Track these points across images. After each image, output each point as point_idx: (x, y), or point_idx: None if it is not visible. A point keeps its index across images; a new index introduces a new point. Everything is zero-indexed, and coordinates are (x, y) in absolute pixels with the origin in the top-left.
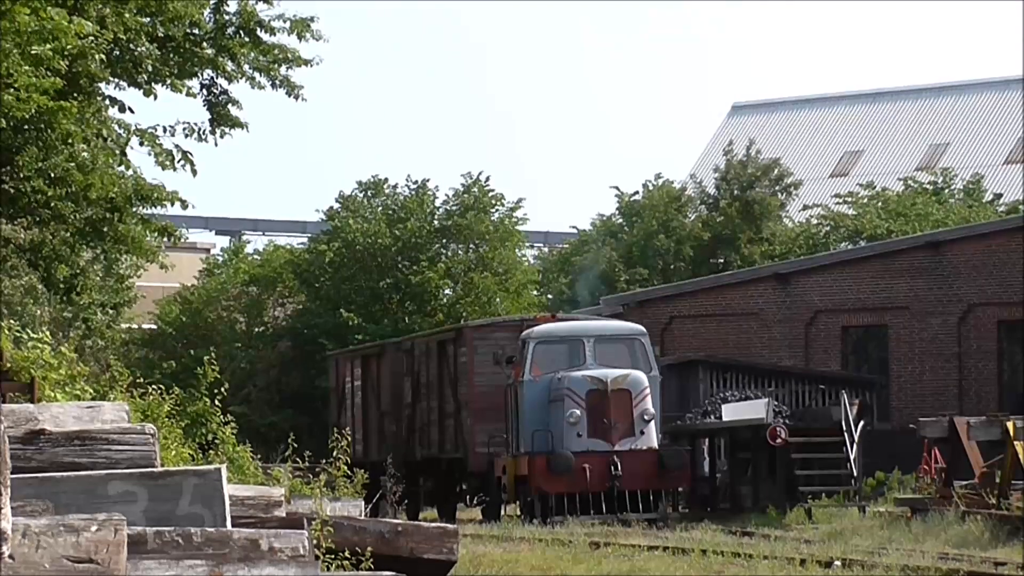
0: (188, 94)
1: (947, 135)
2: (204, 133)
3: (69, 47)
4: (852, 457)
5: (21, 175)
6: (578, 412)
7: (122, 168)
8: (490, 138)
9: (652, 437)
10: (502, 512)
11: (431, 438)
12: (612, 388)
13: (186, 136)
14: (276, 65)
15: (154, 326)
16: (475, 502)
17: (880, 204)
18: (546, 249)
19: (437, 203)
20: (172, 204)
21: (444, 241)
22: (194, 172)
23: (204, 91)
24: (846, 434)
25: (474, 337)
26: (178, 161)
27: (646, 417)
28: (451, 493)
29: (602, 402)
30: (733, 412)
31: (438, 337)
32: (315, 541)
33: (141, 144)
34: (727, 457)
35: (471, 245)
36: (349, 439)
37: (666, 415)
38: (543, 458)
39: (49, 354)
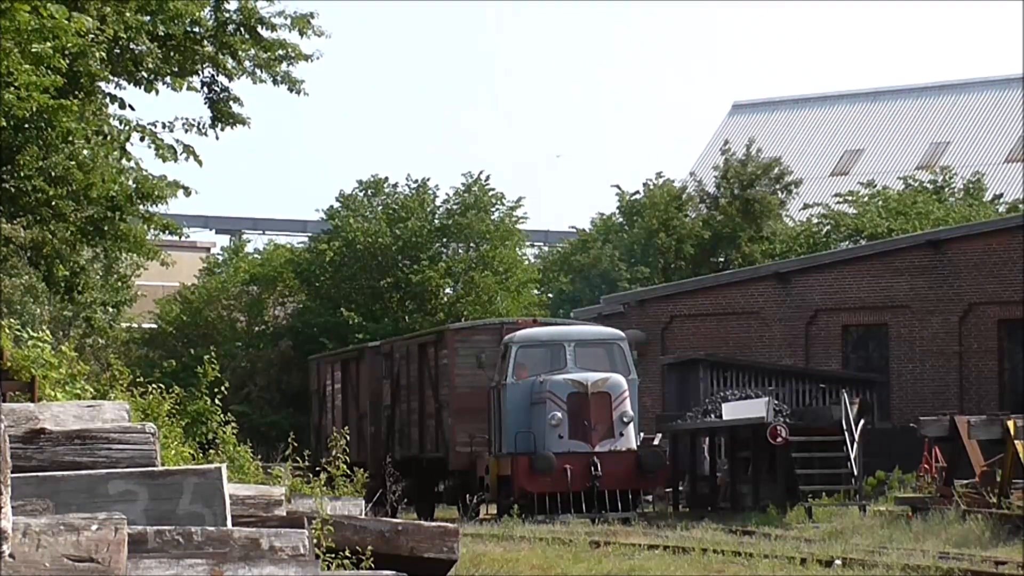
0: (189, 88)
1: (947, 134)
2: (204, 128)
3: (69, 45)
4: (852, 456)
5: (22, 174)
6: (559, 414)
7: (124, 161)
8: (490, 138)
9: (631, 438)
10: (481, 511)
11: (411, 438)
12: (592, 391)
13: (186, 131)
14: (277, 62)
15: (154, 325)
16: (475, 501)
17: (880, 203)
18: (546, 248)
19: (437, 202)
20: (175, 197)
21: (444, 240)
22: (199, 162)
23: (205, 88)
24: (846, 433)
25: (455, 340)
26: (180, 153)
27: (625, 419)
28: (430, 492)
29: (582, 404)
30: (733, 411)
31: (419, 340)
32: (315, 540)
33: (141, 140)
34: (727, 456)
35: (471, 244)
36: (335, 440)
37: (666, 414)
38: (525, 458)
39: (49, 353)
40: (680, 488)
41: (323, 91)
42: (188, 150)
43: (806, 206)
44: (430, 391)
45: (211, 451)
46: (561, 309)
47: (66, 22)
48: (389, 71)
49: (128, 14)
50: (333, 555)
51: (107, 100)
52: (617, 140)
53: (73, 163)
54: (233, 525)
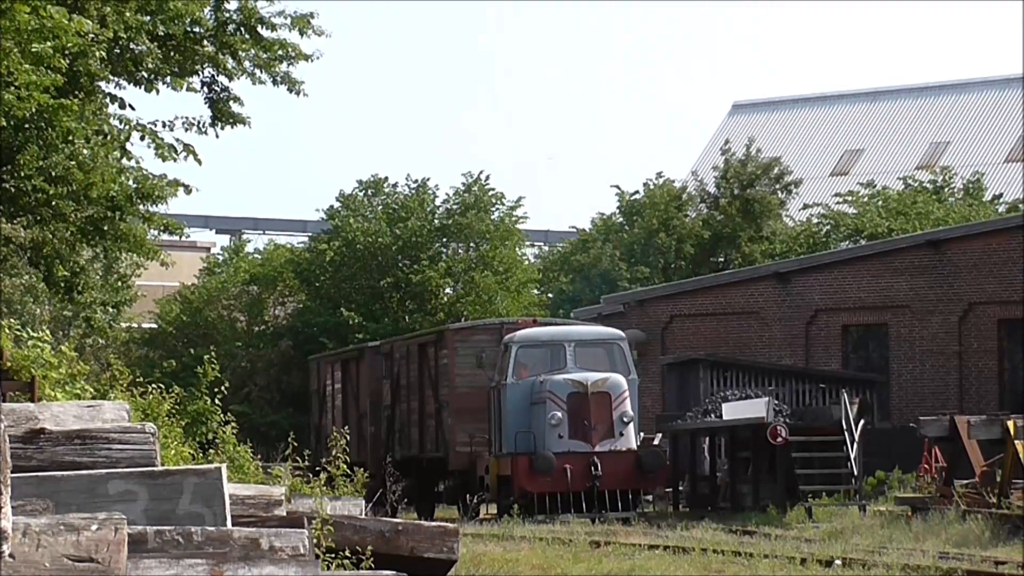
0: (189, 88)
1: (947, 134)
2: (204, 126)
3: (69, 45)
4: (852, 456)
5: (22, 174)
6: (559, 414)
7: (124, 161)
8: (490, 138)
9: (631, 438)
10: (481, 511)
11: (411, 438)
12: (592, 391)
13: (186, 130)
14: (277, 62)
15: (154, 325)
16: (475, 501)
17: (880, 203)
18: (546, 248)
19: (437, 202)
20: (175, 195)
21: (444, 240)
22: (199, 161)
23: (205, 88)
24: (846, 433)
25: (455, 340)
26: (180, 152)
27: (625, 419)
28: (430, 492)
29: (582, 404)
30: (733, 411)
31: (419, 340)
32: (315, 540)
33: (142, 139)
34: (727, 456)
35: (471, 244)
36: (335, 440)
37: (666, 414)
38: (525, 458)
39: (49, 353)
40: (680, 488)
41: (323, 91)
42: (188, 149)
43: (806, 206)
44: (430, 391)
45: (211, 451)
46: (561, 309)
47: (66, 22)
48: (389, 71)
49: (128, 14)
50: (333, 555)
51: (107, 100)
52: (617, 140)
53: (73, 163)
54: (233, 525)
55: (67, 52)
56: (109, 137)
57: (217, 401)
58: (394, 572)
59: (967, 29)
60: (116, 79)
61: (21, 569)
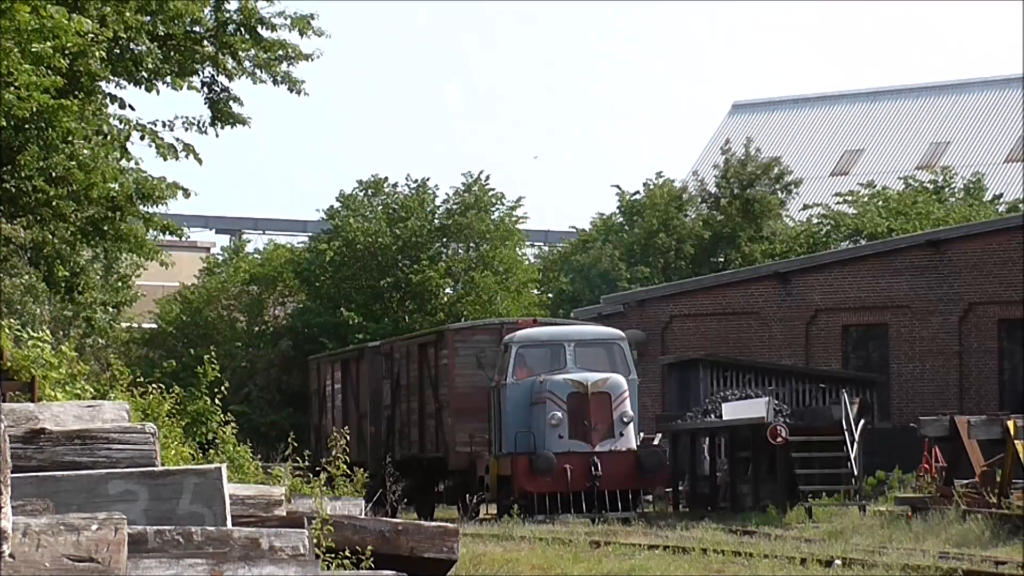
0: (189, 88)
1: (947, 134)
2: (204, 126)
3: (69, 45)
4: (852, 456)
5: (22, 174)
6: (559, 414)
7: (124, 161)
8: (490, 138)
9: (631, 438)
10: (481, 511)
11: (411, 438)
12: (592, 391)
13: (186, 130)
14: (277, 62)
15: (154, 325)
16: (475, 501)
17: (880, 203)
18: (546, 248)
19: (437, 202)
20: (175, 197)
21: (444, 240)
22: (199, 160)
23: (205, 88)
24: (846, 433)
25: (455, 340)
26: (181, 151)
27: (625, 419)
28: (430, 492)
29: (582, 404)
30: (733, 411)
31: (419, 340)
32: (315, 540)
33: (142, 139)
34: (727, 456)
35: (471, 244)
36: (335, 440)
37: (666, 414)
38: (525, 458)
39: (49, 353)
40: (680, 488)
41: (323, 91)
42: (188, 148)
43: (806, 206)
44: (430, 391)
45: (211, 451)
46: (561, 309)
47: (66, 22)
48: (389, 71)
49: (128, 14)
50: (333, 555)
51: (107, 100)
52: (617, 140)
53: (73, 163)
54: (233, 525)
55: (67, 52)
56: (109, 137)
57: (217, 401)
58: (394, 572)
59: (967, 29)
60: (116, 79)
61: (21, 569)
